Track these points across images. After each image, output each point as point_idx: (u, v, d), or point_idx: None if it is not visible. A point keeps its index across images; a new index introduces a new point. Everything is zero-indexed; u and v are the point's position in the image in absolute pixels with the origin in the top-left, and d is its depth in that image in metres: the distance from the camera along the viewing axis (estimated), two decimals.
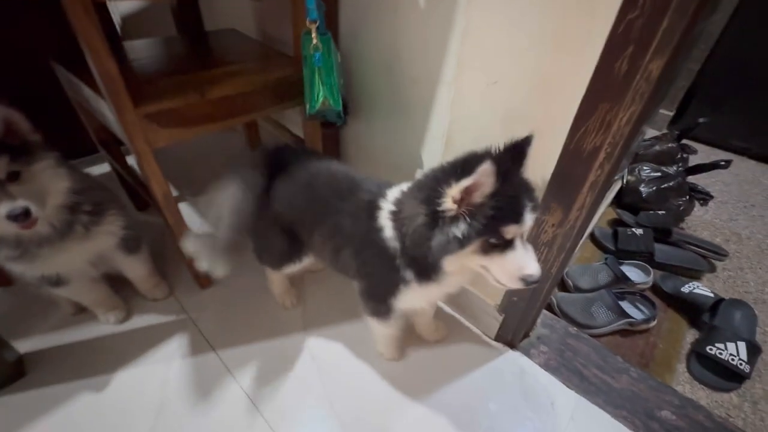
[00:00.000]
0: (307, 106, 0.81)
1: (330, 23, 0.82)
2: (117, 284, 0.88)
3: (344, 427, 0.71)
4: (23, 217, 0.58)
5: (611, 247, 1.15)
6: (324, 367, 0.80)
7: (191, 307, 0.90)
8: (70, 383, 0.74)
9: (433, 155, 0.82)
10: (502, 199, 0.47)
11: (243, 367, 0.79)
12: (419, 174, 0.62)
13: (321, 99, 0.79)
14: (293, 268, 0.81)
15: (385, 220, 0.59)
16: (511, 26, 0.58)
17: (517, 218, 0.49)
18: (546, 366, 0.82)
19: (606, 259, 1.07)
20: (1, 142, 0.58)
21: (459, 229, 0.48)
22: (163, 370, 0.78)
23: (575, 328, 0.90)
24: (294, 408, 0.74)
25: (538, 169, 0.60)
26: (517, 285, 0.51)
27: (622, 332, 0.94)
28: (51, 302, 0.86)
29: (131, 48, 0.93)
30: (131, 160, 0.94)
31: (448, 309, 0.93)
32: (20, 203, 0.57)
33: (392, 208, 0.59)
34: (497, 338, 0.85)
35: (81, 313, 0.86)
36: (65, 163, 0.67)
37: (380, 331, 0.77)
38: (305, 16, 0.70)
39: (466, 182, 0.46)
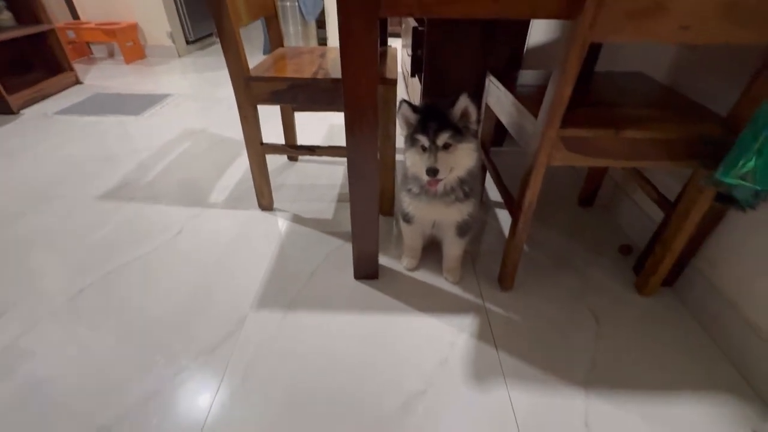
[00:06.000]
0: (720, 170, 0.71)
1: None
2: (427, 248, 1.11)
3: None
4: (433, 173, 0.79)
5: None
6: None
7: (489, 298, 1.01)
8: (394, 300, 1.00)
9: None
10: None
11: (517, 379, 0.82)
12: None
13: (744, 171, 0.67)
14: None
15: None
16: None
17: None
18: None
19: None
20: (453, 121, 0.80)
21: None
22: (454, 333, 0.92)
23: None
24: None
25: None
26: None
27: None
28: (398, 242, 1.17)
29: (522, 76, 1.08)
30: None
31: None
32: (436, 167, 0.78)
33: None
34: None
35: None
36: (478, 149, 0.85)
37: None
38: None
39: None
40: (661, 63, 1.12)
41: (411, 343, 0.89)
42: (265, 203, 1.32)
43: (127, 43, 3.09)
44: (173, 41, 3.26)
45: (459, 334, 0.92)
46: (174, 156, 1.70)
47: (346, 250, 1.16)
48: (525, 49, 1.62)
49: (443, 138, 0.79)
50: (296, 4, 3.20)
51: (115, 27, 2.97)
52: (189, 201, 1.39)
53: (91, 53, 3.37)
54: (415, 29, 1.62)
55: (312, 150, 1.17)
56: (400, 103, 0.83)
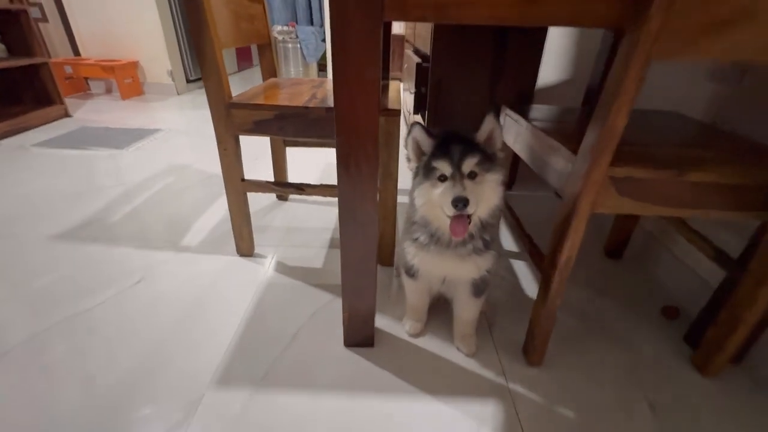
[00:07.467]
0: None
1: None
2: (434, 310, 0.92)
3: None
4: (462, 207, 0.61)
5: None
6: None
7: (513, 376, 0.80)
8: (393, 377, 0.79)
9: None
10: None
11: None
12: None
13: None
14: None
15: None
16: None
17: None
18: None
19: None
20: (479, 146, 0.66)
21: None
22: (473, 428, 0.70)
23: None
24: None
25: None
26: None
27: None
28: (399, 300, 0.98)
29: (536, 110, 0.95)
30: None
31: None
32: (465, 195, 0.61)
33: None
34: None
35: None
36: (503, 183, 0.68)
37: None
38: None
39: None
40: (697, 100, 1.00)
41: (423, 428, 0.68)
42: (245, 248, 1.14)
43: (125, 80, 3.05)
44: (173, 79, 3.23)
45: (480, 428, 0.70)
46: (151, 193, 1.54)
47: (337, 307, 0.97)
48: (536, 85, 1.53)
49: (470, 163, 0.64)
50: (298, 45, 3.22)
51: (114, 64, 2.94)
52: (158, 244, 1.20)
53: (89, 89, 3.33)
54: (418, 65, 1.54)
55: (300, 189, 1.02)
56: (412, 125, 0.68)
